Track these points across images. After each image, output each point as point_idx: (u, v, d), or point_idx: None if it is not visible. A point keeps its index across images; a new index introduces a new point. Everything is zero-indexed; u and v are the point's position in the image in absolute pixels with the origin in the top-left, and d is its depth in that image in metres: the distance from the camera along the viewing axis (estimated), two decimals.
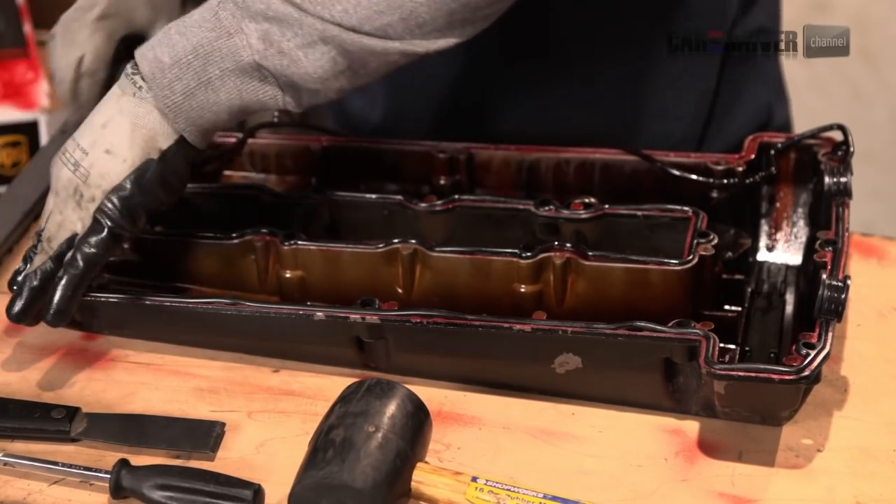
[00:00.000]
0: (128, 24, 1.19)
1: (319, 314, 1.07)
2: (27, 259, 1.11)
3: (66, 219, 1.08)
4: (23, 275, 1.09)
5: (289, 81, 1.04)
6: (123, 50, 1.19)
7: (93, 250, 1.06)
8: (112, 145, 1.06)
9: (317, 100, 1.07)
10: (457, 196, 1.17)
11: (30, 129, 1.57)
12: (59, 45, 1.18)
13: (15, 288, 1.09)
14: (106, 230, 1.06)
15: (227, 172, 1.31)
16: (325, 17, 1.02)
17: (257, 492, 0.96)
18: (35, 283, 1.07)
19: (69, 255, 1.07)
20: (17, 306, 1.08)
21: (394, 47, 1.03)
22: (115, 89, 1.09)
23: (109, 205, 1.06)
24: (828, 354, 0.95)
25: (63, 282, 1.06)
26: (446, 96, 1.33)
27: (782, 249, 1.20)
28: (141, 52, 1.07)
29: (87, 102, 1.18)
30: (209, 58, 1.04)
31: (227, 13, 1.04)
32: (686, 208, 1.12)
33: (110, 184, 1.06)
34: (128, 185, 1.06)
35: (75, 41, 1.18)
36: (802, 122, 1.45)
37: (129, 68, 1.08)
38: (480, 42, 1.07)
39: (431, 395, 1.05)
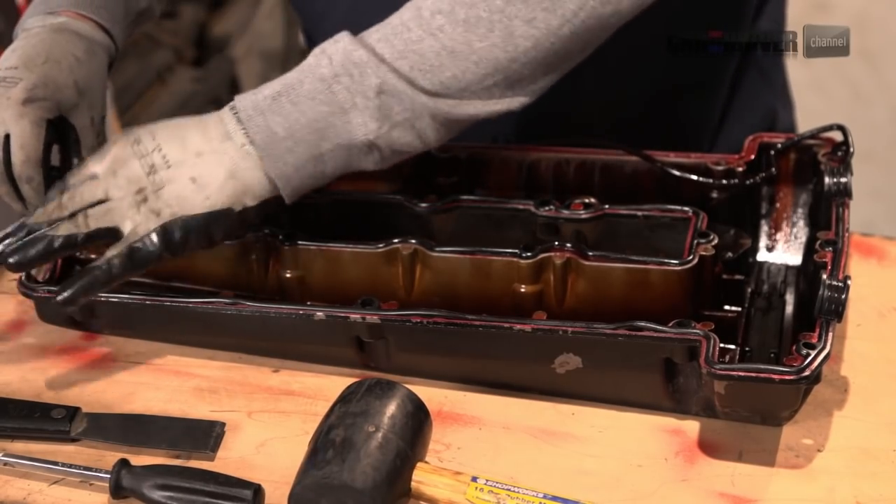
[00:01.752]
0: (55, 106, 1.09)
1: (319, 314, 1.07)
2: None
3: (114, 208, 1.04)
4: (44, 232, 1.03)
5: (395, 150, 1.05)
6: (52, 135, 1.10)
7: (138, 262, 1.03)
8: (201, 177, 1.03)
9: (407, 157, 1.07)
10: (457, 196, 1.17)
11: None
12: None
13: (26, 235, 1.03)
14: (158, 250, 1.03)
15: None
16: (436, 89, 1.02)
17: (257, 492, 0.96)
18: (56, 246, 1.03)
19: (111, 253, 1.03)
20: (24, 257, 1.03)
21: (496, 108, 1.05)
22: (221, 125, 1.04)
23: (176, 232, 1.03)
24: (828, 354, 0.95)
25: (91, 276, 1.03)
26: None
27: (782, 250, 1.20)
28: (248, 115, 1.03)
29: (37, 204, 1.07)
30: (323, 133, 1.03)
31: (341, 87, 1.02)
32: (686, 208, 1.12)
33: (183, 211, 1.03)
34: (200, 222, 1.04)
35: None
36: (802, 122, 1.45)
37: (235, 111, 1.04)
38: None
39: (431, 395, 1.05)
